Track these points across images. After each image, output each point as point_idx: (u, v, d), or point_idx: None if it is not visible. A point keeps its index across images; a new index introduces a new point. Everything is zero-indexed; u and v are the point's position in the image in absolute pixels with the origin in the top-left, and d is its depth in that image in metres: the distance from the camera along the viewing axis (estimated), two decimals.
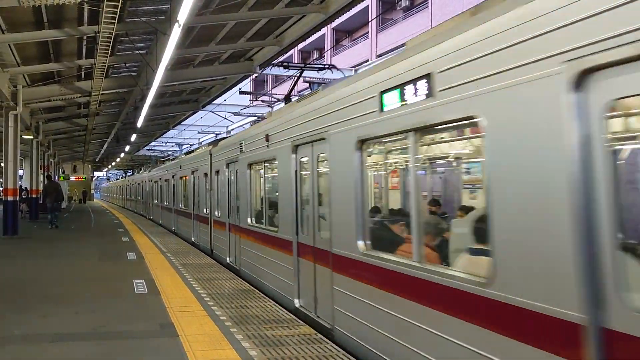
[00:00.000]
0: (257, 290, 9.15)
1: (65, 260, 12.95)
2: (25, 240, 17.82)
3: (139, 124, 23.35)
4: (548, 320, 3.22)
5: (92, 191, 75.34)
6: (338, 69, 12.29)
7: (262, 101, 29.61)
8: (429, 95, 4.43)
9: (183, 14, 9.27)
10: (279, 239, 8.47)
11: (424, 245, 4.81)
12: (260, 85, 56.71)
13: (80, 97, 20.98)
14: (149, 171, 31.42)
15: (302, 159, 7.61)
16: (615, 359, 2.87)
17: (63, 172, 53.36)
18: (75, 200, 61.48)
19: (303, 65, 11.54)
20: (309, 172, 7.36)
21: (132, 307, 7.91)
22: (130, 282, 9.78)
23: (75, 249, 15.40)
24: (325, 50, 44.99)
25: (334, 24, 36.67)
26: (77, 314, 7.48)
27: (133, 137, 31.52)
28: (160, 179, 25.35)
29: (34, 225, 24.17)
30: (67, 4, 11.10)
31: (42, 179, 29.67)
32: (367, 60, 33.96)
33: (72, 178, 57.21)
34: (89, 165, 63.24)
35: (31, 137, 25.03)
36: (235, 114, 26.67)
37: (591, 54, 2.97)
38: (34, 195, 28.56)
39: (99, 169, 73.31)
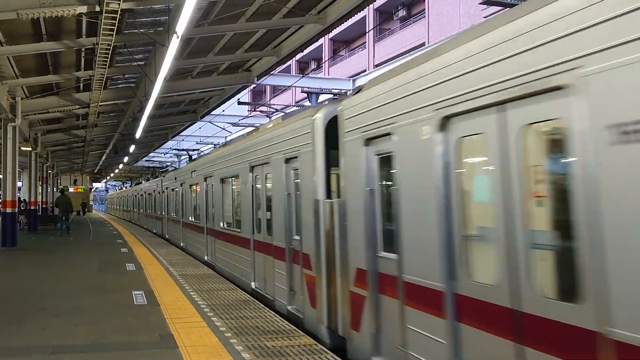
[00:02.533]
0: (256, 301, 9.15)
1: (64, 272, 12.92)
2: (24, 252, 17.78)
3: (138, 134, 23.39)
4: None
5: (91, 202, 75.29)
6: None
7: (261, 111, 29.66)
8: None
9: (181, 26, 9.31)
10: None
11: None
12: (258, 96, 56.85)
13: (78, 108, 21.02)
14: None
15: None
16: None
17: (61, 184, 53.38)
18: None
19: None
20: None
21: (131, 318, 7.89)
22: (129, 293, 9.76)
23: (74, 260, 15.36)
24: (323, 60, 45.16)
25: (331, 34, 36.87)
26: (77, 326, 7.46)
27: (132, 148, 31.57)
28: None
29: (32, 237, 24.12)
30: (66, 16, 11.16)
31: (41, 191, 29.99)
32: (365, 70, 34.08)
33: (71, 189, 57.18)
34: (88, 177, 63.21)
35: (30, 148, 25.05)
36: (234, 124, 26.71)
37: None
38: (32, 207, 28.54)
39: (98, 180, 73.35)
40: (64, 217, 25.77)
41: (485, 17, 19.86)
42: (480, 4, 10.59)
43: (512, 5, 10.10)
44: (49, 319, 7.90)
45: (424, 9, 33.66)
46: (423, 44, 30.15)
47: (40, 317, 8.02)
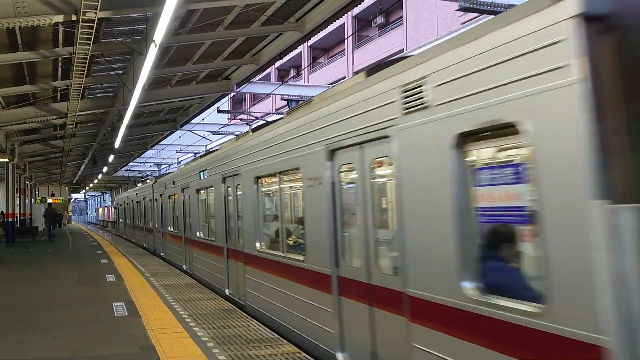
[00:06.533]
0: (239, 310, 9.11)
1: (43, 284, 12.73)
2: (1, 265, 17.49)
3: (117, 144, 23.18)
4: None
5: (70, 213, 74.46)
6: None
7: (240, 119, 29.59)
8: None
9: (159, 34, 9.27)
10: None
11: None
12: (238, 104, 56.72)
13: (56, 118, 20.78)
14: None
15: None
16: None
17: (39, 195, 52.72)
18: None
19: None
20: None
21: (111, 330, 7.80)
22: (109, 305, 9.65)
23: (53, 272, 15.15)
24: (303, 68, 45.25)
25: (310, 42, 36.94)
26: (56, 339, 7.35)
27: (111, 158, 31.24)
28: None
29: (10, 250, 23.75)
30: (42, 26, 11.04)
31: (19, 202, 30.24)
32: (345, 77, 34.19)
33: (49, 200, 56.38)
34: (66, 188, 62.46)
35: (6, 160, 24.69)
36: (214, 132, 26.62)
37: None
38: (10, 219, 28.10)
39: (77, 191, 72.49)
40: (51, 226, 31.17)
41: (462, 24, 20.05)
42: (457, 10, 10.70)
43: (486, 12, 10.21)
44: (27, 333, 7.77)
45: (401, 16, 33.91)
46: (401, 51, 30.34)
47: (18, 331, 7.89)
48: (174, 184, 16.41)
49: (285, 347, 6.66)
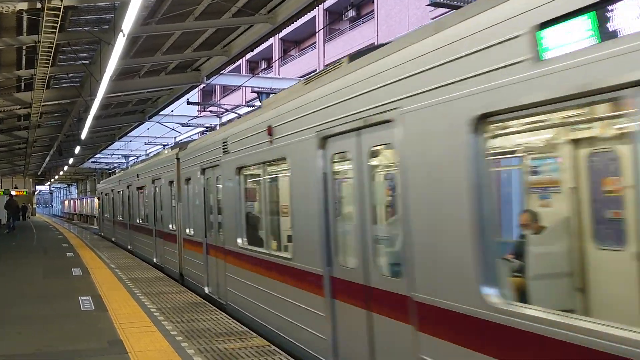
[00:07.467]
0: (208, 303, 9.06)
1: (7, 278, 12.46)
2: None
3: (83, 135, 22.76)
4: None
5: (35, 206, 73.02)
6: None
7: (210, 112, 29.31)
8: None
9: (127, 24, 9.11)
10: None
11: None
12: (208, 96, 56.19)
13: (20, 109, 20.28)
14: None
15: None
16: None
17: (1, 187, 51.61)
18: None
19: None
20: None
21: (78, 325, 7.68)
22: (76, 299, 9.50)
23: (18, 266, 14.84)
24: (273, 60, 45.05)
25: (281, 34, 36.79)
26: (20, 334, 7.21)
27: (77, 150, 30.67)
28: None
29: None
30: (5, 13, 10.75)
31: None
32: (315, 70, 34.13)
33: (13, 193, 55.15)
34: (31, 180, 61.14)
35: None
36: (183, 124, 26.34)
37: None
38: None
39: (42, 183, 71.00)
40: (12, 218, 32.44)
41: (432, 19, 20.20)
42: (428, 5, 10.77)
43: (456, 8, 10.30)
44: None
45: (373, 10, 33.98)
46: (373, 44, 30.41)
47: None
48: (252, 134, 7.86)
49: (255, 340, 6.64)
